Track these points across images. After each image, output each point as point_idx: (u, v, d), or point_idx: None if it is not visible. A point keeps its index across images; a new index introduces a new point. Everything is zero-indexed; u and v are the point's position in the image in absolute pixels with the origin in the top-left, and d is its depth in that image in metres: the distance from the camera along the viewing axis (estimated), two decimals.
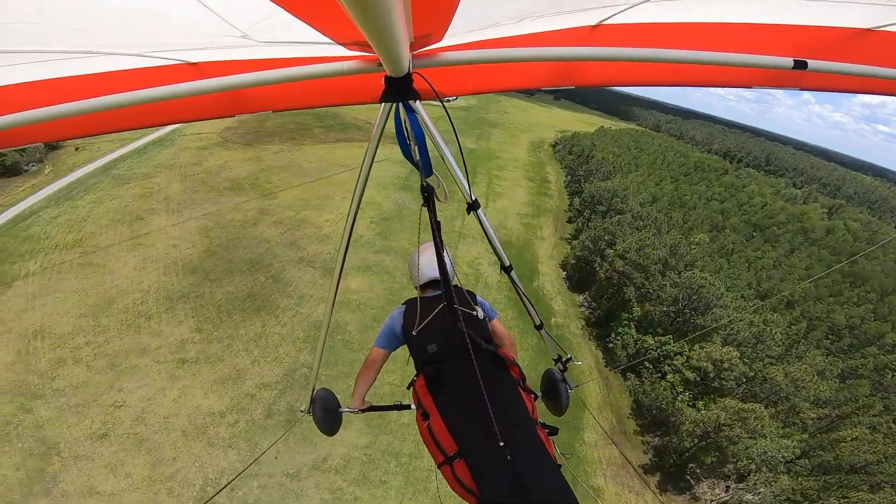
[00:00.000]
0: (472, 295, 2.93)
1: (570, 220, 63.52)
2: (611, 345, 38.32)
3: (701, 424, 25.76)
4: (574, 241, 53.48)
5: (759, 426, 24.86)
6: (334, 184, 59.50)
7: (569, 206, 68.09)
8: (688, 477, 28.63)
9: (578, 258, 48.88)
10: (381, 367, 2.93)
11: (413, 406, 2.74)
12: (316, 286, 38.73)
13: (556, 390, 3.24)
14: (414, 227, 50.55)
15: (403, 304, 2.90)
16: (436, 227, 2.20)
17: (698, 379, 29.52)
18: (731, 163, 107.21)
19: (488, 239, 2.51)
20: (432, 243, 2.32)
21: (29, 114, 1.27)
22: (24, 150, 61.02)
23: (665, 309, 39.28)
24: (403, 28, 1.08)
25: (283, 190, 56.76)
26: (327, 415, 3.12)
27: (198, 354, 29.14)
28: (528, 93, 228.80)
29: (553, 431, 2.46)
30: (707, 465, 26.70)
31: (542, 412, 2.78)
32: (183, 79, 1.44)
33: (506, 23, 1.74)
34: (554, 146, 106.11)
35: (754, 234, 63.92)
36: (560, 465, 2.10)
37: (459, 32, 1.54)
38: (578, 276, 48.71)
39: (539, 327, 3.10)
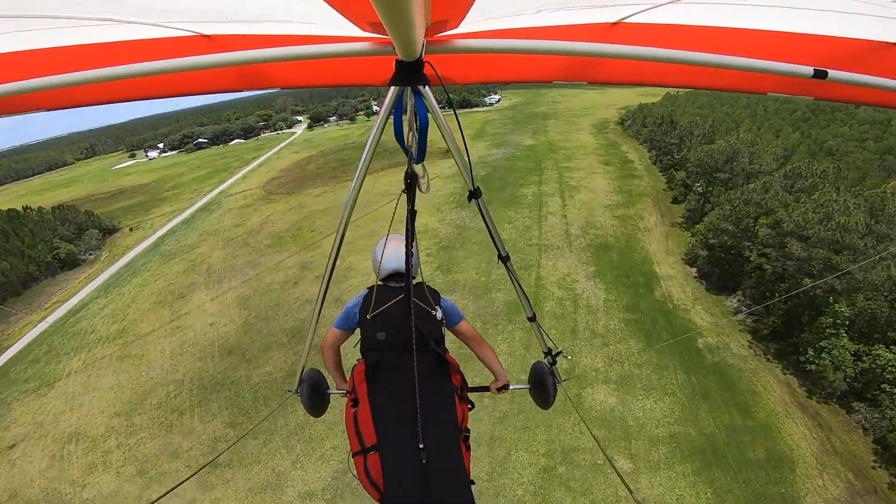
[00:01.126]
0: (436, 294, 2.71)
1: (676, 201, 49.34)
2: (810, 366, 25.17)
3: None
4: (696, 226, 39.62)
5: None
6: (380, 217, 51.72)
7: (667, 183, 53.85)
8: None
9: (712, 247, 35.21)
10: (338, 346, 2.85)
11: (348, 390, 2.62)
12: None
13: (543, 384, 3.05)
14: (480, 250, 41.85)
15: (367, 288, 2.77)
16: (412, 215, 2.17)
17: None
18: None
19: (487, 227, 2.34)
20: (401, 235, 2.41)
21: (45, 80, 1.28)
22: (79, 240, 61.15)
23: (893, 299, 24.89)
24: (420, 12, 1.07)
25: (327, 236, 49.96)
26: (314, 395, 3.05)
27: (231, 456, 25.11)
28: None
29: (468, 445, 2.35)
30: None
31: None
32: (197, 51, 1.45)
33: (524, 13, 1.76)
34: (622, 123, 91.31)
35: None
36: (472, 482, 2.06)
37: (476, 20, 1.55)
38: (720, 271, 34.92)
39: (532, 319, 2.96)
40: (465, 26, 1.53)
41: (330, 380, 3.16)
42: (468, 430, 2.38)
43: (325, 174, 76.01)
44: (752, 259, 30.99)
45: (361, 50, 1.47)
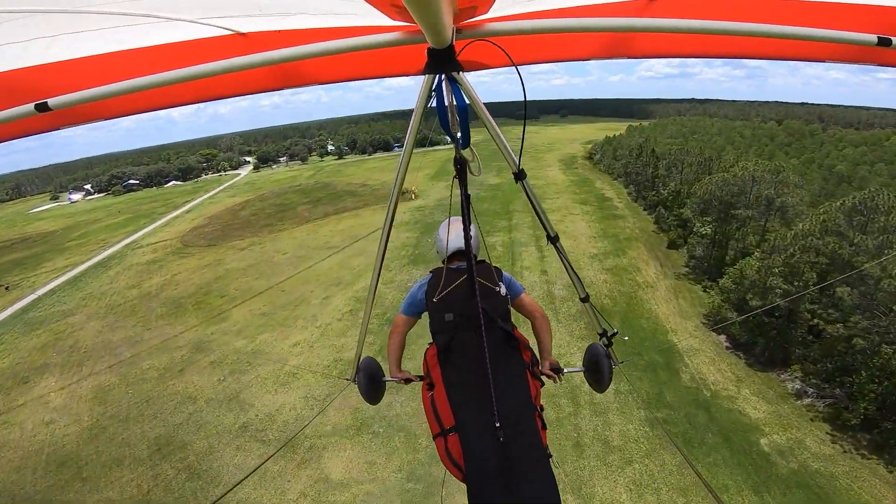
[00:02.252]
0: (498, 271, 2.65)
1: (673, 246, 41.31)
2: None
3: None
4: (718, 280, 30.86)
5: None
6: (313, 279, 40.85)
7: (657, 224, 46.26)
8: None
9: (743, 310, 26.39)
10: (406, 333, 2.79)
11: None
12: (265, 482, 21.49)
13: (598, 365, 2.94)
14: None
15: (430, 272, 2.72)
16: (466, 199, 2.19)
17: None
18: (819, 124, 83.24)
19: (534, 208, 2.36)
20: (460, 217, 2.32)
21: (95, 91, 1.33)
22: None
23: None
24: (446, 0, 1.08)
25: (240, 304, 38.20)
26: (371, 383, 3.06)
27: None
28: (532, 116, 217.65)
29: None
30: None
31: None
32: (235, 51, 1.49)
33: None
34: (590, 158, 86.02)
35: None
36: (550, 455, 2.08)
37: (507, 4, 1.53)
38: (766, 341, 25.90)
39: (584, 300, 2.82)
40: (496, 11, 1.52)
41: (386, 368, 3.03)
42: (542, 407, 2.34)
43: (258, 222, 64.30)
44: (819, 327, 22.11)
45: (393, 40, 1.47)
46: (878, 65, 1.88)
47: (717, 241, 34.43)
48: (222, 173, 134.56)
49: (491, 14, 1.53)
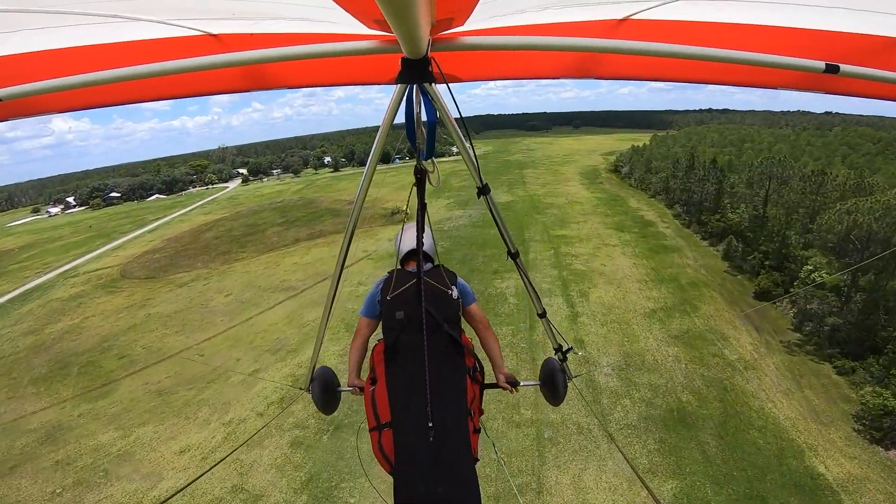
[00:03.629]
0: (453, 275, 2.68)
1: (765, 295, 28.66)
2: None
3: None
4: (868, 360, 18.32)
5: None
6: (246, 339, 29.31)
7: (728, 260, 33.84)
8: None
9: None
10: (369, 336, 2.72)
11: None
12: None
13: (553, 380, 3.01)
14: None
15: (388, 273, 2.72)
16: (422, 207, 2.30)
17: None
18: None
19: (496, 223, 2.41)
20: (414, 224, 2.41)
21: (54, 82, 1.30)
22: None
23: None
24: (425, 10, 1.08)
25: (137, 371, 26.55)
26: (326, 394, 2.99)
27: None
28: (543, 128, 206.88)
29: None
30: None
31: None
32: (204, 51, 1.46)
33: (529, 10, 1.78)
34: (616, 170, 73.89)
35: None
36: (477, 459, 2.18)
37: (482, 18, 1.56)
38: None
39: (542, 315, 2.92)
40: (471, 24, 1.53)
41: (342, 378, 3.01)
42: (481, 411, 2.42)
43: (216, 248, 53.05)
44: None
45: (367, 48, 1.47)
46: (828, 93, 1.91)
47: (861, 298, 21.96)
48: (209, 186, 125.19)
49: (467, 27, 1.54)
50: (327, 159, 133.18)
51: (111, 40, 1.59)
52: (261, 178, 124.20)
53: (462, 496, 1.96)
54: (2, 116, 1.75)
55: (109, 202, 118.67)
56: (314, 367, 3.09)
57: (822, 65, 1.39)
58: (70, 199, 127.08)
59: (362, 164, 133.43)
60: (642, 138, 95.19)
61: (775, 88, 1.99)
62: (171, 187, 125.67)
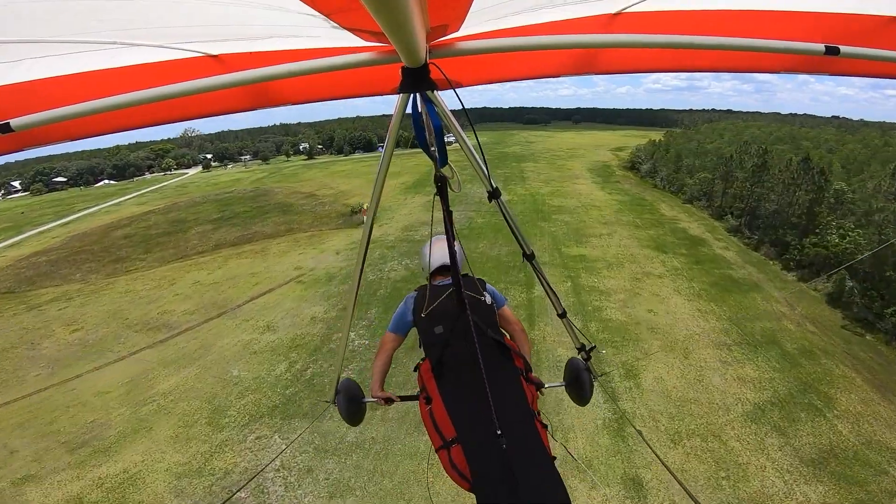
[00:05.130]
0: (482, 282, 2.73)
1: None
2: None
3: None
4: None
5: None
6: (60, 407, 16.79)
7: (836, 298, 22.05)
8: None
9: None
10: (393, 351, 2.80)
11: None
12: None
13: (579, 380, 2.98)
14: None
15: (416, 289, 2.79)
16: (448, 216, 2.26)
17: None
18: None
19: (509, 225, 2.33)
20: (443, 235, 2.39)
21: (59, 111, 1.30)
22: None
23: None
24: (419, 19, 1.09)
25: None
26: (351, 405, 2.99)
27: None
28: (543, 121, 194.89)
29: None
30: None
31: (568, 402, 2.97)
32: (205, 72, 1.47)
33: (523, 11, 1.78)
34: (634, 167, 61.81)
35: None
36: (554, 458, 2.11)
37: (477, 22, 1.57)
38: None
39: (562, 315, 2.87)
40: (466, 29, 1.54)
41: (366, 388, 3.00)
42: (539, 412, 2.37)
43: (117, 251, 40.05)
44: None
45: (367, 60, 1.48)
46: (829, 74, 1.92)
47: None
48: (166, 172, 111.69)
49: (462, 32, 1.55)
50: (304, 146, 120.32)
51: (113, 65, 1.58)
52: (225, 165, 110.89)
53: (552, 495, 1.88)
54: (14, 147, 1.71)
55: (52, 187, 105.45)
56: (339, 380, 3.12)
57: (821, 47, 1.38)
58: (16, 184, 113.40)
59: (340, 151, 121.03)
60: (650, 135, 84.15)
61: (775, 73, 1.98)
62: (122, 172, 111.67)
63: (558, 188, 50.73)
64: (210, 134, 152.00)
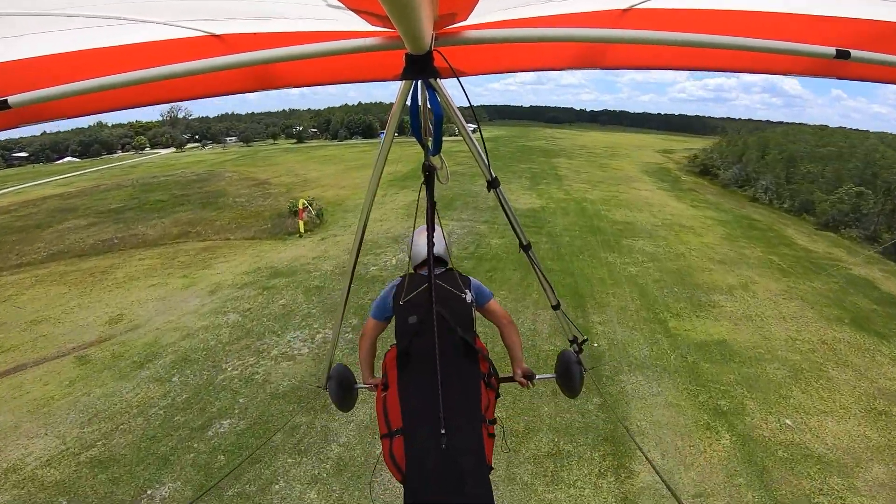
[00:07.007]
0: (467, 279, 2.71)
1: None
2: None
3: None
4: None
5: None
6: None
7: None
8: None
9: None
10: (376, 337, 2.80)
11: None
12: None
13: (569, 372, 2.99)
14: None
15: (401, 276, 2.75)
16: (432, 206, 2.22)
17: None
18: None
19: (507, 216, 2.37)
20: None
21: (58, 89, 1.29)
22: None
23: None
24: (427, 6, 1.09)
25: None
26: (343, 391, 3.03)
27: None
28: (567, 121, 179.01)
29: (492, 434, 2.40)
30: None
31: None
32: (209, 53, 1.46)
33: (533, 3, 1.79)
34: (707, 171, 45.37)
35: None
36: (491, 468, 2.13)
37: (486, 12, 1.58)
38: None
39: (556, 307, 2.94)
40: (475, 18, 1.54)
41: (358, 374, 3.04)
42: (494, 419, 2.36)
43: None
44: None
45: (371, 45, 1.47)
46: (838, 78, 1.93)
47: None
48: (138, 152, 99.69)
49: (470, 21, 1.54)
50: (298, 128, 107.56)
51: (115, 43, 1.57)
52: (203, 146, 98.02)
53: (476, 501, 1.90)
54: (12, 124, 1.71)
55: (10, 163, 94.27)
56: (330, 365, 3.13)
57: (832, 51, 1.38)
58: None
59: (335, 136, 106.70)
60: (690, 142, 68.87)
61: (785, 75, 1.95)
62: (87, 149, 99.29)
63: (612, 193, 34.31)
64: (214, 117, 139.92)
